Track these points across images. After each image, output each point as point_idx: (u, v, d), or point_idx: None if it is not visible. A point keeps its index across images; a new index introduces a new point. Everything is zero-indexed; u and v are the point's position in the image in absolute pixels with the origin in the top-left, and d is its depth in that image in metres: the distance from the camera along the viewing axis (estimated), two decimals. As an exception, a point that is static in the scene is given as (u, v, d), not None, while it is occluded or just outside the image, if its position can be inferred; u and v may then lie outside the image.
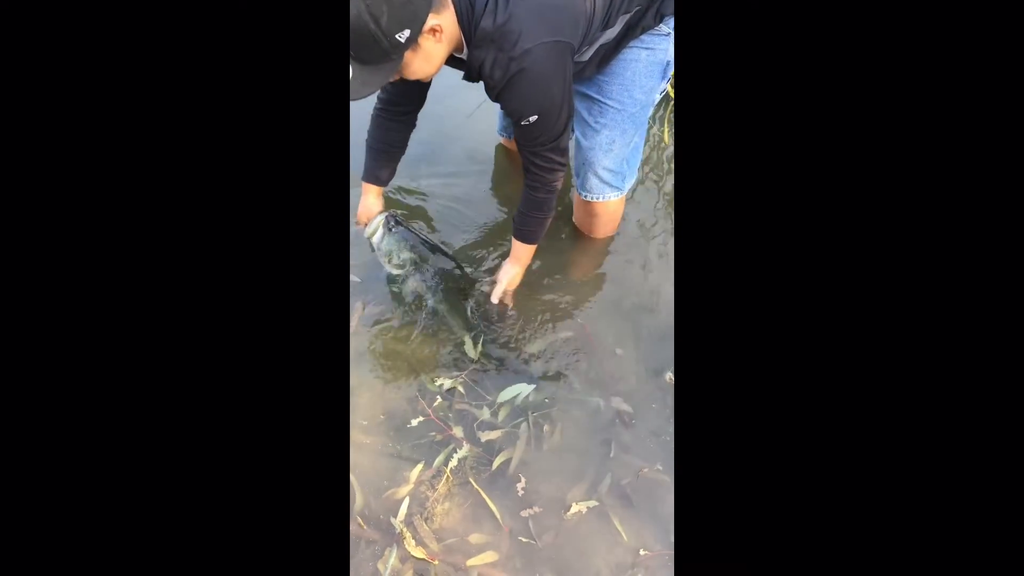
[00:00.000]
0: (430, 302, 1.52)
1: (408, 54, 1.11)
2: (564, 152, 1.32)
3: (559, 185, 1.37)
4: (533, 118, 1.22)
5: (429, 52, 1.14)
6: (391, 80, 1.16)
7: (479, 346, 1.45)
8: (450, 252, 1.60)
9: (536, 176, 1.34)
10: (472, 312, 1.52)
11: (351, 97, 1.08)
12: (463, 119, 2.00)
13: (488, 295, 1.53)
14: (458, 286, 1.54)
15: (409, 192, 1.83)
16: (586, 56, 1.29)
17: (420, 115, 1.50)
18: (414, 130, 1.52)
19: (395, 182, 1.68)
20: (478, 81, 1.25)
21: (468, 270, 1.59)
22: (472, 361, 1.44)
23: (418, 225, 1.70)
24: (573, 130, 1.58)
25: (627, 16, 1.27)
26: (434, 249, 1.55)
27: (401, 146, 1.53)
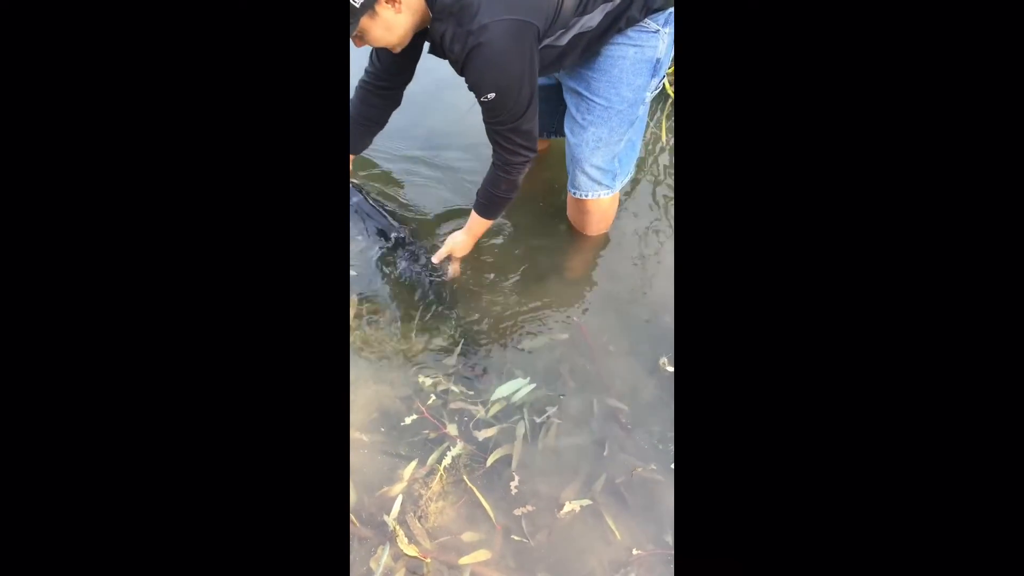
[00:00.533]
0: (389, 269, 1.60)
1: (365, 20, 1.15)
2: (527, 136, 1.31)
3: (522, 170, 1.37)
4: (491, 95, 1.22)
5: (388, 21, 1.17)
6: (354, 44, 1.20)
7: (458, 349, 1.46)
8: (405, 223, 1.66)
9: (499, 155, 1.36)
10: (424, 286, 1.56)
11: None
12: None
13: (443, 269, 1.57)
14: (414, 259, 1.59)
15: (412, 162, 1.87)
16: (563, 41, 1.27)
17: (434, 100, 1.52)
18: (398, 107, 1.57)
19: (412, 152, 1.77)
20: (444, 57, 1.26)
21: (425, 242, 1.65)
22: (457, 362, 1.44)
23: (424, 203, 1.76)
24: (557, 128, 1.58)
25: (608, 5, 1.26)
26: (387, 219, 1.64)
27: (379, 122, 1.58)
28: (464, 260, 1.60)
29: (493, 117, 1.28)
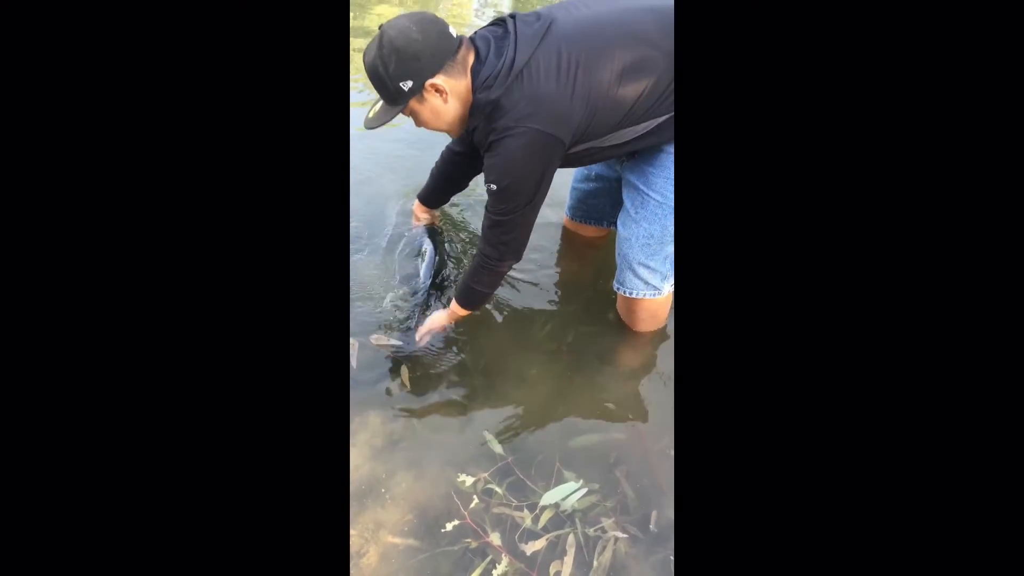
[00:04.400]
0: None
1: (414, 103, 1.22)
2: (510, 235, 1.30)
3: (499, 269, 1.36)
4: (493, 186, 1.25)
5: (435, 108, 1.23)
6: (395, 118, 1.25)
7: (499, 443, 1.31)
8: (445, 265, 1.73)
9: (482, 245, 1.35)
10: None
11: (365, 124, 1.25)
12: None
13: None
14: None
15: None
16: (607, 144, 1.27)
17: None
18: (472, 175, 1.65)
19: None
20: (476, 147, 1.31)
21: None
22: (500, 457, 1.29)
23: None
24: (614, 221, 1.54)
25: (661, 119, 1.24)
26: (439, 257, 1.74)
27: (451, 180, 1.69)
28: (507, 342, 1.48)
29: (490, 205, 1.29)
